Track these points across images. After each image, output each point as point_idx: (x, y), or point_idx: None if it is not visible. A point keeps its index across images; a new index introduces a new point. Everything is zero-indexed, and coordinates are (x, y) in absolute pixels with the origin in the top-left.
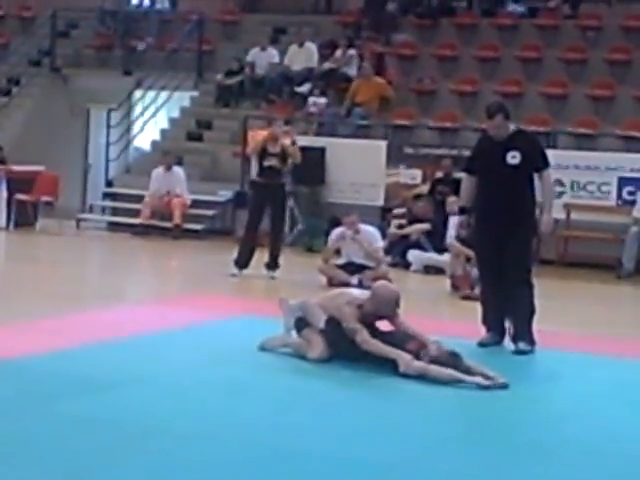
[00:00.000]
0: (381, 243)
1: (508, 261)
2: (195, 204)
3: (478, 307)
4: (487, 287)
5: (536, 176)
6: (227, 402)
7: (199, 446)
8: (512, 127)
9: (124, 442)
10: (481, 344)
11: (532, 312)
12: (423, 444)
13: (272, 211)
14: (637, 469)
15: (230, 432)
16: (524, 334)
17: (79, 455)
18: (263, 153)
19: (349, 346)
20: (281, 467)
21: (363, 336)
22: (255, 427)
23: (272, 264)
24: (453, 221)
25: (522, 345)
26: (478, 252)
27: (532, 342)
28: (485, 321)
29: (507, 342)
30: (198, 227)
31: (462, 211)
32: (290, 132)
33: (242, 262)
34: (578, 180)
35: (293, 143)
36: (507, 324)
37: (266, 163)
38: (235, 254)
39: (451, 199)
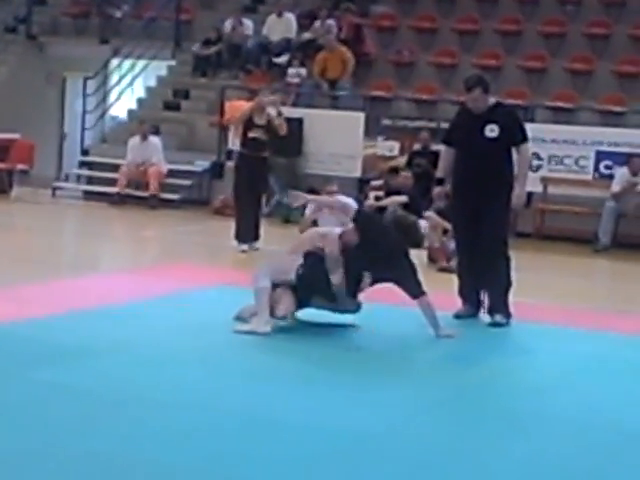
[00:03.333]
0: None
1: (484, 233)
2: (172, 174)
3: (455, 279)
4: (464, 259)
5: (514, 150)
6: (202, 371)
7: (174, 415)
8: (491, 100)
9: (99, 410)
10: (457, 316)
11: (508, 284)
12: (398, 415)
13: (254, 183)
14: (613, 440)
15: (204, 401)
16: (500, 306)
17: (55, 422)
18: (248, 124)
19: (325, 284)
20: (256, 435)
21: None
22: (230, 396)
23: (254, 235)
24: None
25: (498, 317)
26: (455, 223)
27: (508, 315)
28: (461, 293)
29: (483, 314)
30: (174, 197)
31: (439, 182)
32: (277, 102)
33: (244, 235)
34: (556, 154)
35: (279, 114)
36: (483, 296)
37: (251, 134)
38: (234, 230)
39: (436, 190)
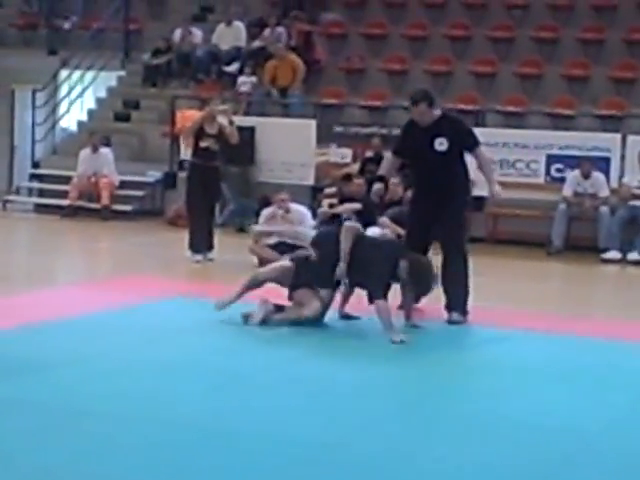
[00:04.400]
0: (312, 222)
1: (443, 235)
2: (124, 185)
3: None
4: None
5: (471, 155)
6: (159, 383)
7: (130, 427)
8: (437, 112)
9: (55, 424)
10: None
11: (467, 284)
12: (356, 423)
13: (207, 192)
14: (567, 443)
15: (162, 413)
16: (458, 305)
17: (6, 437)
18: (200, 133)
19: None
20: (212, 447)
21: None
22: (187, 408)
23: (208, 245)
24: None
25: (455, 315)
26: (409, 231)
27: (465, 313)
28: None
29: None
30: (127, 208)
31: (380, 179)
32: (228, 111)
33: (198, 245)
34: (507, 158)
35: (231, 123)
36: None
37: (202, 144)
38: (187, 240)
39: (376, 187)
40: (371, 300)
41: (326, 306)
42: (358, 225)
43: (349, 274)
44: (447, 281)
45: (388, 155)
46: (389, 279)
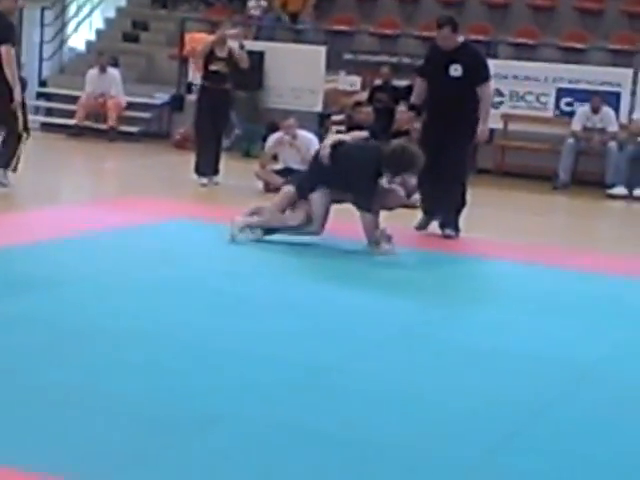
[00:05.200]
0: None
1: (446, 162)
2: (131, 106)
3: (415, 214)
4: (426, 182)
5: (477, 88)
6: (161, 303)
7: (133, 345)
8: (460, 39)
9: (61, 341)
10: (418, 227)
11: (461, 204)
12: (354, 347)
13: (216, 116)
14: (568, 374)
15: (162, 332)
16: (451, 221)
17: (17, 353)
18: (210, 57)
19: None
20: (210, 367)
21: None
22: (188, 328)
23: (214, 169)
24: None
25: (448, 231)
26: (422, 149)
27: (457, 229)
28: (423, 208)
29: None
30: (134, 129)
31: (412, 107)
32: (239, 35)
33: (204, 168)
34: (517, 90)
35: (241, 47)
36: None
37: (213, 67)
38: (193, 163)
39: (406, 114)
40: (359, 209)
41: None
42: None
43: (334, 181)
44: (443, 201)
45: (417, 80)
46: (374, 186)
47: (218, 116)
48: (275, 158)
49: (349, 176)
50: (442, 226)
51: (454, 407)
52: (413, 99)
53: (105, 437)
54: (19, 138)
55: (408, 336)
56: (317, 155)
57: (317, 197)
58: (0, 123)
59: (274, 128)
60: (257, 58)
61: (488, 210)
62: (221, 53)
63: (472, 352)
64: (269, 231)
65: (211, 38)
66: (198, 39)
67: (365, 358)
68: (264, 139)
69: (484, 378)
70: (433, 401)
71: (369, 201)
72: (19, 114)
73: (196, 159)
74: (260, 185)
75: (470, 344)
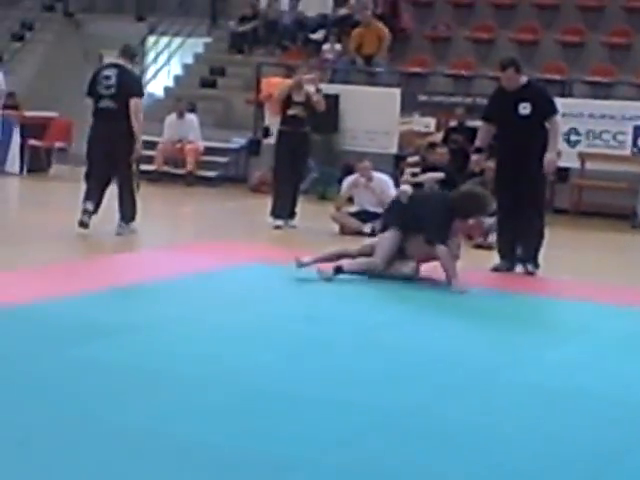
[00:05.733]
0: (393, 191)
1: (523, 199)
2: (208, 151)
3: (490, 255)
4: (504, 220)
5: (546, 123)
6: (237, 349)
7: (210, 392)
8: (523, 79)
9: (135, 386)
10: (494, 269)
11: (541, 238)
12: (433, 391)
13: (295, 160)
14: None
15: (237, 378)
16: (531, 257)
17: (90, 397)
18: (287, 101)
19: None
20: (285, 411)
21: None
22: (262, 373)
23: (290, 213)
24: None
25: (530, 267)
26: (498, 190)
27: (537, 265)
28: (499, 250)
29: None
30: (211, 174)
31: (478, 150)
32: (315, 79)
33: (280, 211)
34: (593, 129)
35: (318, 90)
36: (518, 250)
37: (290, 112)
38: (270, 206)
39: (474, 158)
40: (429, 243)
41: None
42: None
43: (408, 220)
44: (523, 237)
45: (482, 125)
46: (449, 223)
47: (296, 160)
48: (351, 200)
49: (424, 215)
50: (522, 262)
51: (529, 452)
52: (478, 142)
53: None
54: (133, 189)
55: (487, 379)
56: (395, 198)
57: (388, 236)
58: (117, 177)
59: (349, 170)
60: (332, 101)
61: (566, 250)
62: (298, 97)
63: (552, 393)
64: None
65: (288, 82)
66: (274, 83)
67: (444, 402)
68: (340, 182)
69: (563, 420)
70: (507, 445)
71: (443, 234)
72: (133, 166)
73: (273, 202)
74: (336, 228)
75: (550, 385)
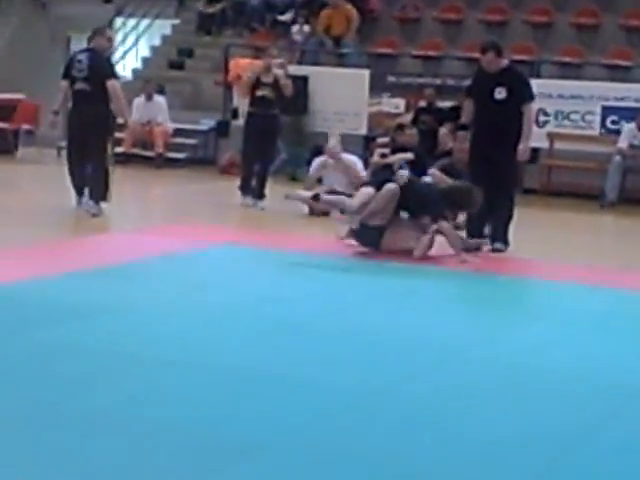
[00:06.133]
0: (363, 172)
1: (494, 180)
2: (177, 133)
3: (461, 234)
4: None
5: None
6: (206, 329)
7: (176, 373)
8: (504, 62)
9: (102, 369)
10: (463, 249)
11: (509, 217)
12: (399, 371)
13: (263, 141)
14: (616, 395)
15: (208, 358)
16: (500, 235)
17: (55, 380)
18: (256, 83)
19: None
20: (257, 393)
21: None
22: (230, 354)
23: (259, 194)
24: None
25: (498, 245)
26: (471, 169)
27: (506, 242)
28: (468, 229)
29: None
30: (180, 156)
31: (463, 127)
32: (284, 63)
33: (248, 189)
34: (562, 109)
35: (287, 76)
36: (486, 229)
37: (259, 93)
38: (239, 182)
39: (443, 131)
40: (435, 220)
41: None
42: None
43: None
44: (492, 216)
45: (466, 101)
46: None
47: (265, 141)
48: (320, 181)
49: (424, 196)
50: (492, 240)
51: (498, 430)
52: (463, 119)
53: (148, 463)
54: (107, 170)
55: (456, 359)
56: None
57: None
58: (90, 157)
59: (319, 151)
60: (301, 83)
61: (534, 231)
62: (267, 79)
63: (518, 372)
64: None
65: (257, 65)
66: (242, 65)
67: (412, 382)
68: (309, 163)
69: (529, 399)
70: (477, 424)
71: (441, 211)
72: (108, 147)
73: (241, 181)
74: (305, 209)
75: (516, 364)
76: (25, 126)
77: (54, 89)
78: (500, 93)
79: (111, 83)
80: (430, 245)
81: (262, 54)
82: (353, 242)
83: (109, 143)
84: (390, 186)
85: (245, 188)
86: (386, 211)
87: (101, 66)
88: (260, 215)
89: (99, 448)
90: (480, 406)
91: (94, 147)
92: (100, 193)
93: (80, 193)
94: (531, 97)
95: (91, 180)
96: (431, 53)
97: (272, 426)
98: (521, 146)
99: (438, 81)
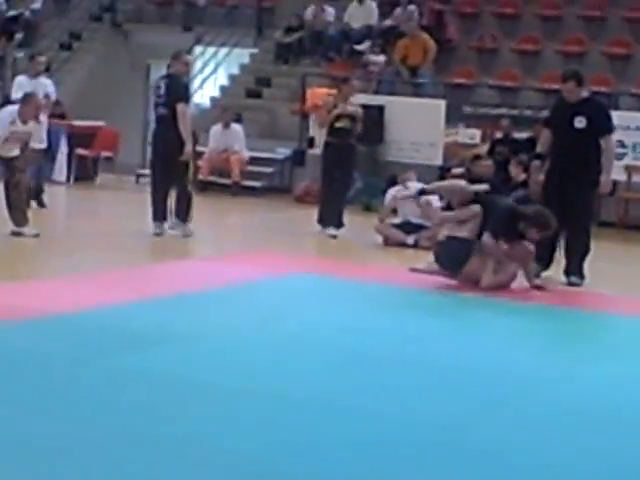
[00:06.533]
0: (438, 202)
1: (570, 210)
2: (253, 161)
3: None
4: None
5: (601, 141)
6: (273, 359)
7: (244, 402)
8: (584, 93)
9: (176, 396)
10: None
11: (586, 251)
12: (472, 406)
13: (341, 170)
14: None
15: (278, 389)
16: (576, 268)
17: (131, 407)
18: (335, 113)
19: None
20: (331, 422)
21: None
22: (302, 385)
23: (338, 223)
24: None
25: (574, 279)
26: (546, 200)
27: (582, 277)
28: (537, 257)
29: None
30: (256, 184)
31: (538, 157)
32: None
33: (328, 220)
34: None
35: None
36: (562, 259)
37: (338, 124)
38: (317, 215)
39: (535, 164)
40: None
41: None
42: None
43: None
44: (568, 249)
45: (543, 131)
46: (508, 228)
47: (342, 170)
48: (395, 212)
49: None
50: (567, 274)
51: (574, 466)
52: (539, 148)
53: None
54: (190, 193)
55: (527, 394)
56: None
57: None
58: (172, 181)
59: (394, 182)
60: (377, 112)
61: (611, 264)
62: (346, 110)
63: (595, 409)
64: None
65: (336, 95)
66: (319, 94)
67: (488, 416)
68: (384, 193)
69: (605, 436)
70: (555, 460)
71: (499, 229)
72: (189, 168)
73: (320, 211)
74: (380, 239)
75: (594, 400)
76: (105, 153)
77: (133, 117)
78: (580, 122)
79: (180, 106)
80: (508, 278)
81: (342, 84)
82: (432, 271)
83: (190, 167)
84: (474, 207)
85: (325, 220)
86: (471, 225)
87: (176, 90)
88: (336, 244)
89: (164, 474)
90: (548, 445)
91: (177, 171)
92: (184, 213)
93: (162, 218)
94: (611, 129)
95: (177, 203)
96: (508, 84)
97: (349, 458)
98: (603, 178)
99: (514, 112)
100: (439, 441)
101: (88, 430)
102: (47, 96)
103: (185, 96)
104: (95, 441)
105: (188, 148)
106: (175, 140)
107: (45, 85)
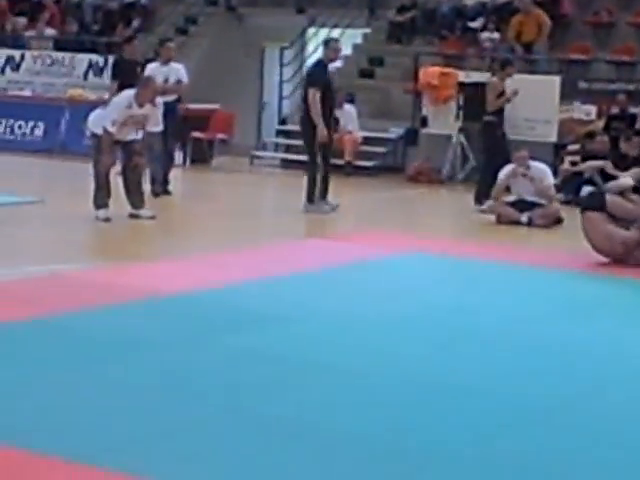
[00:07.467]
0: (552, 180)
1: None
2: (366, 141)
3: None
4: None
5: None
6: (386, 339)
7: (361, 383)
8: None
9: (288, 376)
10: None
11: None
12: (581, 386)
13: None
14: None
15: (392, 369)
16: None
17: (241, 388)
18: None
19: None
20: (438, 400)
21: None
22: (418, 364)
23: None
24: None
25: None
26: None
27: None
28: None
29: None
30: (369, 164)
31: (638, 133)
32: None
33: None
34: None
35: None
36: None
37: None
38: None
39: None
40: None
41: None
42: None
43: None
44: None
45: None
46: None
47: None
48: (508, 190)
49: None
50: None
51: None
52: None
53: (332, 472)
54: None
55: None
56: None
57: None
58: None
59: (507, 160)
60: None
61: None
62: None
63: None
64: None
65: (498, 78)
66: (431, 73)
67: (599, 396)
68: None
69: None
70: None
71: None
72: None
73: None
74: (492, 217)
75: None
76: (220, 135)
77: (248, 99)
78: None
79: (311, 91)
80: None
81: (507, 66)
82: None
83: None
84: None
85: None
86: None
87: (309, 75)
88: (449, 223)
89: (277, 456)
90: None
91: (311, 153)
92: (308, 194)
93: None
94: None
95: (321, 183)
96: (625, 58)
97: (457, 436)
98: None
99: (631, 87)
100: (546, 419)
101: (197, 412)
102: (179, 81)
103: (311, 81)
104: (203, 423)
105: (319, 131)
106: (305, 123)
107: (177, 70)
